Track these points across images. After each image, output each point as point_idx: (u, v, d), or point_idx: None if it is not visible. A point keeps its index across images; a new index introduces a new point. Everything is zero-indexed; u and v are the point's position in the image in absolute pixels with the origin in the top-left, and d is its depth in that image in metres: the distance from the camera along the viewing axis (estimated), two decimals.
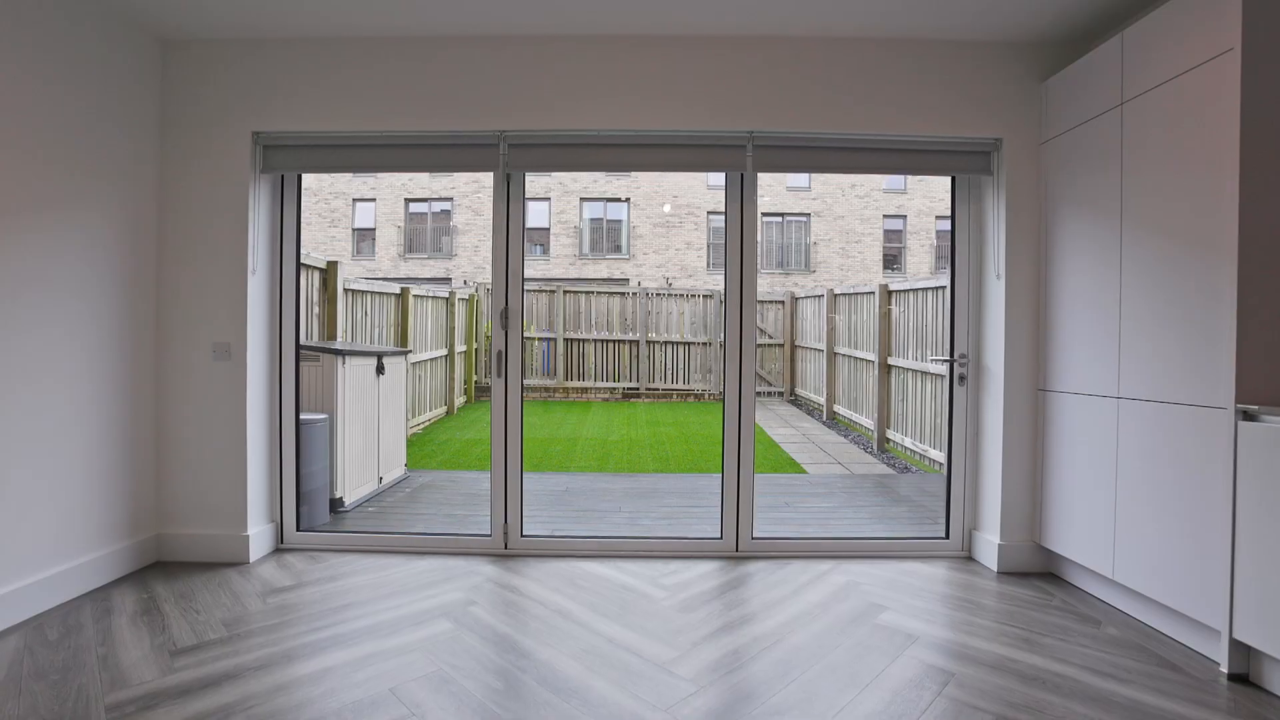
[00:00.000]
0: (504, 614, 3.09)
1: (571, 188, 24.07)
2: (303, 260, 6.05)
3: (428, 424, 9.76)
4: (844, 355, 10.44)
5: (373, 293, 7.72)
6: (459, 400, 11.50)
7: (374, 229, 23.61)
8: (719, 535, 4.07)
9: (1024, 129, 3.77)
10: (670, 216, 24.40)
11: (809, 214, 25.46)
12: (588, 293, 13.10)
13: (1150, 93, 2.93)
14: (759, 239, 25.20)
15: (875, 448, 8.61)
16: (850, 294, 10.20)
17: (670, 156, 3.82)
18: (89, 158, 3.29)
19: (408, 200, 23.66)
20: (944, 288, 7.06)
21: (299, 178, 4.04)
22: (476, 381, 12.62)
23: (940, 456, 7.02)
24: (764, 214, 25.34)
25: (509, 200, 3.96)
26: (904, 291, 8.21)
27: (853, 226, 25.67)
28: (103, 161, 3.37)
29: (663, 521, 4.94)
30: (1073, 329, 3.47)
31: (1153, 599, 2.96)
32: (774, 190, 25.25)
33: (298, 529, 4.04)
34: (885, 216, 26.17)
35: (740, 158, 3.80)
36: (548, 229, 24.05)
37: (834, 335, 10.83)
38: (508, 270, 4.00)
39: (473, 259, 23.47)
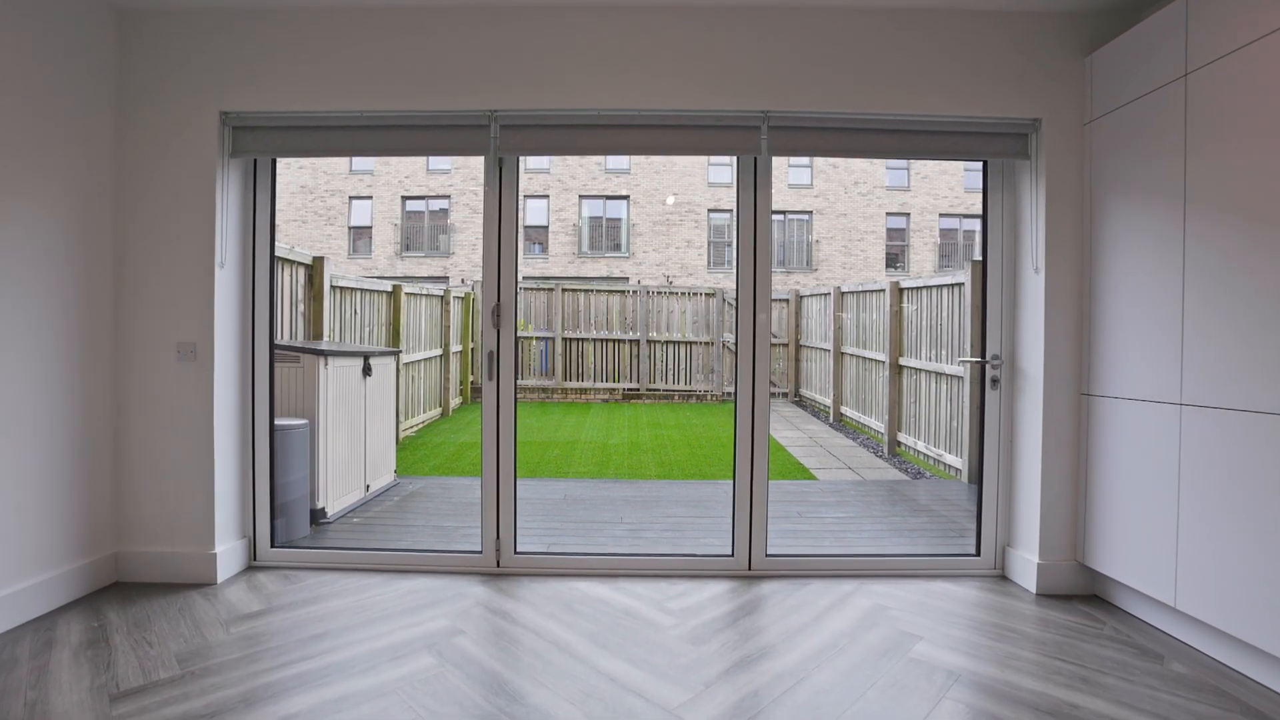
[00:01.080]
0: (494, 646, 2.76)
1: (570, 185, 23.73)
2: (288, 256, 5.74)
3: (421, 426, 9.43)
4: (852, 355, 10.11)
5: (362, 290, 7.38)
6: (454, 401, 11.17)
7: (370, 227, 23.27)
8: (730, 552, 3.74)
9: (1065, 108, 3.44)
10: (670, 214, 24.07)
11: (811, 211, 25.14)
12: (587, 290, 12.76)
13: (1222, 60, 2.60)
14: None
15: (886, 452, 8.28)
16: (858, 292, 9.87)
17: (677, 139, 3.49)
18: (26, 140, 2.95)
19: (404, 198, 23.32)
20: (960, 285, 6.74)
21: (273, 163, 3.71)
22: (473, 382, 12.28)
23: (957, 462, 6.70)
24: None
25: (501, 187, 3.62)
26: (916, 289, 7.88)
27: (855, 224, 25.34)
28: (46, 144, 3.03)
29: (668, 534, 4.61)
30: (1123, 328, 3.14)
31: (1226, 632, 2.63)
32: (775, 187, 24.91)
33: (272, 545, 3.70)
34: (888, 214, 25.84)
35: (754, 140, 3.47)
36: (546, 227, 23.71)
37: (841, 334, 10.50)
38: (499, 264, 3.67)
39: (470, 257, 23.13)
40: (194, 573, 3.38)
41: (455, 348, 11.07)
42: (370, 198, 23.24)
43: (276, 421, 4.18)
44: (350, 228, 23.26)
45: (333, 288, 6.56)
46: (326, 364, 4.66)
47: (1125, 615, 3.16)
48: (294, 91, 3.41)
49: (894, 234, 26.45)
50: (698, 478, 6.79)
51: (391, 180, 23.21)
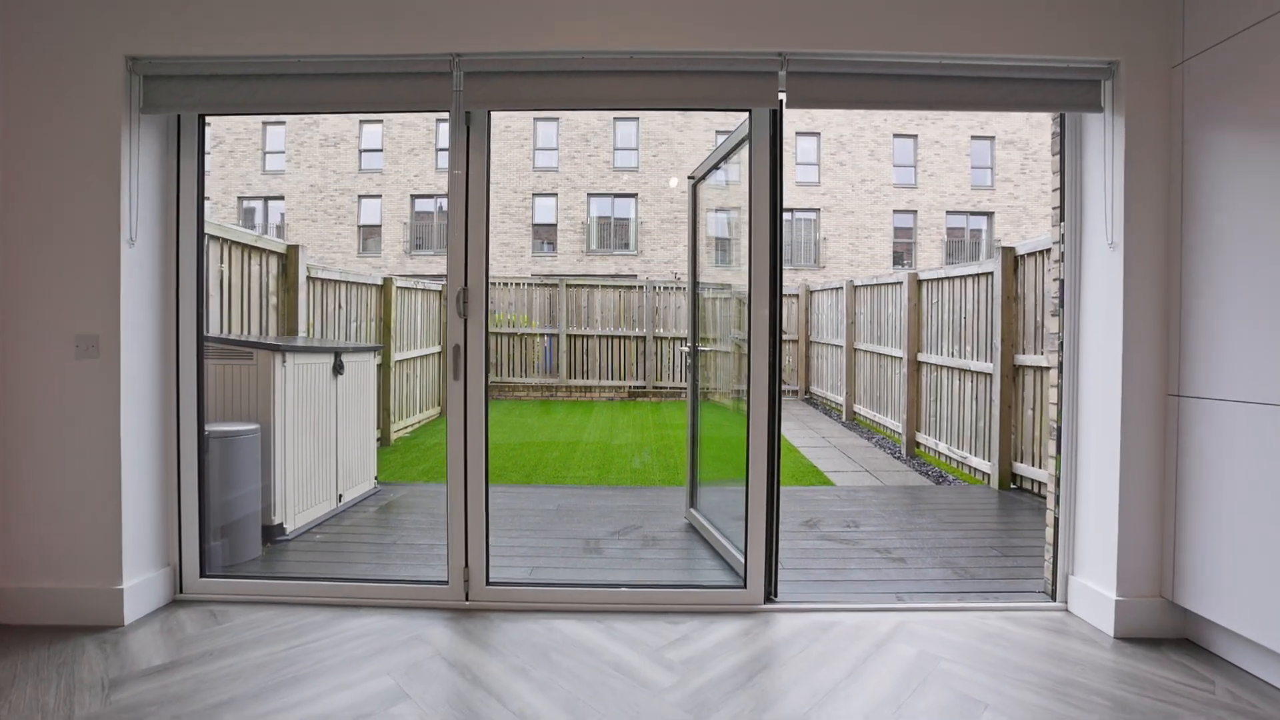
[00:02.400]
0: None
1: (579, 183, 23.07)
2: (256, 243, 5.10)
3: (417, 426, 8.79)
4: (865, 351, 9.39)
5: (347, 283, 6.74)
6: None
7: (380, 225, 22.69)
8: (741, 582, 3.07)
9: (1149, 48, 2.74)
10: (679, 211, 23.35)
11: (818, 209, 24.37)
12: (592, 286, 12.09)
13: None
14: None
15: (904, 453, 7.57)
16: (872, 285, 9.15)
17: (677, 88, 2.80)
18: None
19: (414, 196, 22.73)
20: (988, 274, 6.02)
21: (200, 121, 3.05)
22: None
23: (983, 465, 5.99)
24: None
25: (469, 149, 2.96)
26: (937, 280, 7.16)
27: (863, 222, 24.56)
28: None
29: (669, 554, 3.94)
30: (1229, 313, 2.44)
31: None
32: (784, 185, 24.13)
33: (203, 574, 3.05)
34: (895, 212, 25.03)
35: (768, 88, 2.79)
36: (554, 225, 23.06)
37: (854, 330, 9.79)
38: (467, 242, 3.00)
39: None
40: (96, 613, 2.73)
41: None
42: (379, 196, 22.65)
43: (220, 428, 3.54)
44: (360, 226, 22.69)
45: (310, 279, 5.92)
46: (284, 361, 4.01)
47: (1234, 670, 2.46)
48: (217, 33, 2.75)
49: (901, 231, 25.66)
50: (705, 481, 6.10)
51: (401, 179, 22.62)
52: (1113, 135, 2.78)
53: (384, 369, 7.52)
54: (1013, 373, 5.65)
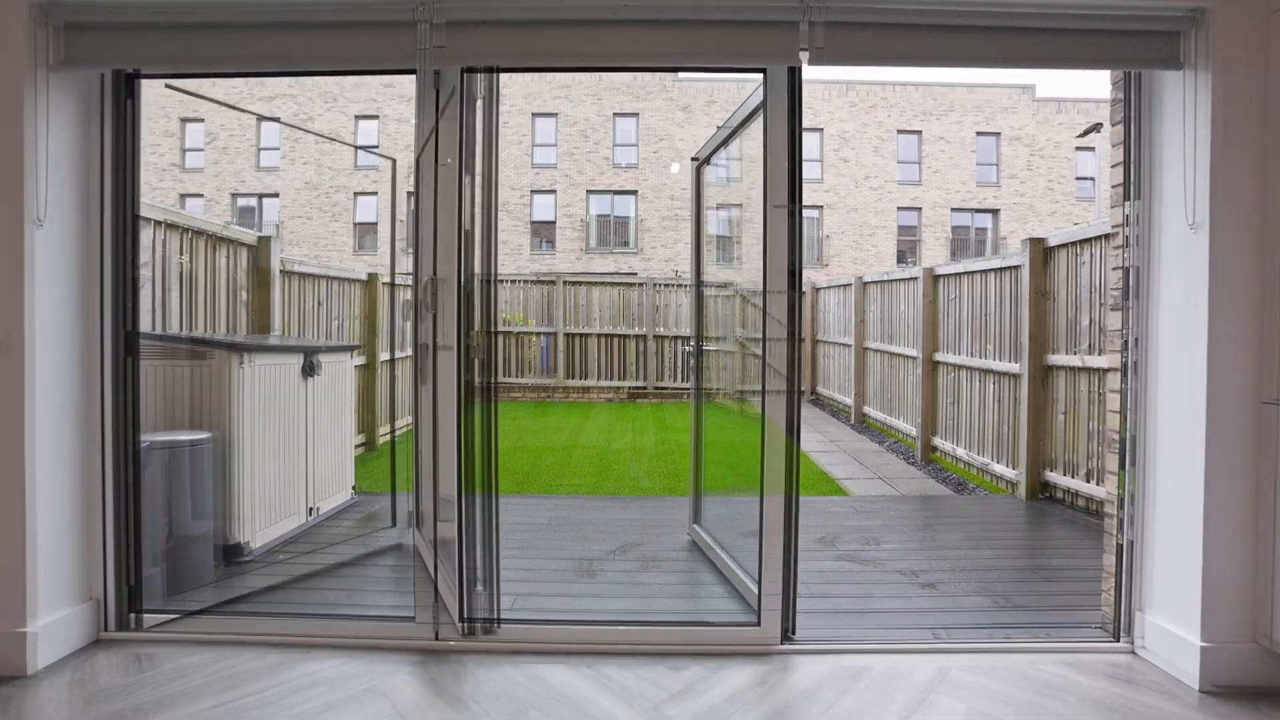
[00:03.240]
0: None
1: (578, 180, 22.65)
2: (224, 234, 4.68)
3: (404, 430, 8.36)
4: (876, 351, 8.97)
5: (326, 278, 6.31)
6: None
7: (376, 223, 22.29)
8: (754, 617, 2.65)
9: None
10: (680, 209, 22.92)
11: (821, 206, 23.93)
12: (590, 283, 11.67)
13: None
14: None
15: (920, 458, 7.14)
16: (884, 281, 8.72)
17: (682, 40, 2.38)
18: None
19: (410, 194, 22.29)
20: (1016, 268, 5.59)
21: (129, 84, 2.62)
22: (469, 381, 11.21)
23: (1008, 473, 5.56)
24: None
25: (438, 112, 2.54)
26: (955, 275, 6.73)
27: (866, 219, 24.12)
28: None
29: (671, 579, 3.52)
30: None
31: None
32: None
33: (135, 607, 2.63)
34: (899, 209, 24.59)
35: (788, 42, 2.36)
36: (553, 222, 22.64)
37: (864, 329, 9.36)
38: (436, 223, 2.59)
39: (475, 252, 22.08)
40: None
41: None
42: (376, 194, 22.24)
43: (165, 437, 3.12)
44: (356, 224, 22.27)
45: (285, 274, 5.50)
46: (244, 362, 3.58)
47: None
48: None
49: (905, 230, 25.20)
50: (710, 493, 5.69)
51: (398, 175, 22.23)
52: (1196, 96, 2.35)
53: (369, 369, 7.10)
54: (1042, 374, 5.22)
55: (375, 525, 4.39)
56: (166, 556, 3.02)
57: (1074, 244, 4.93)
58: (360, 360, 7.00)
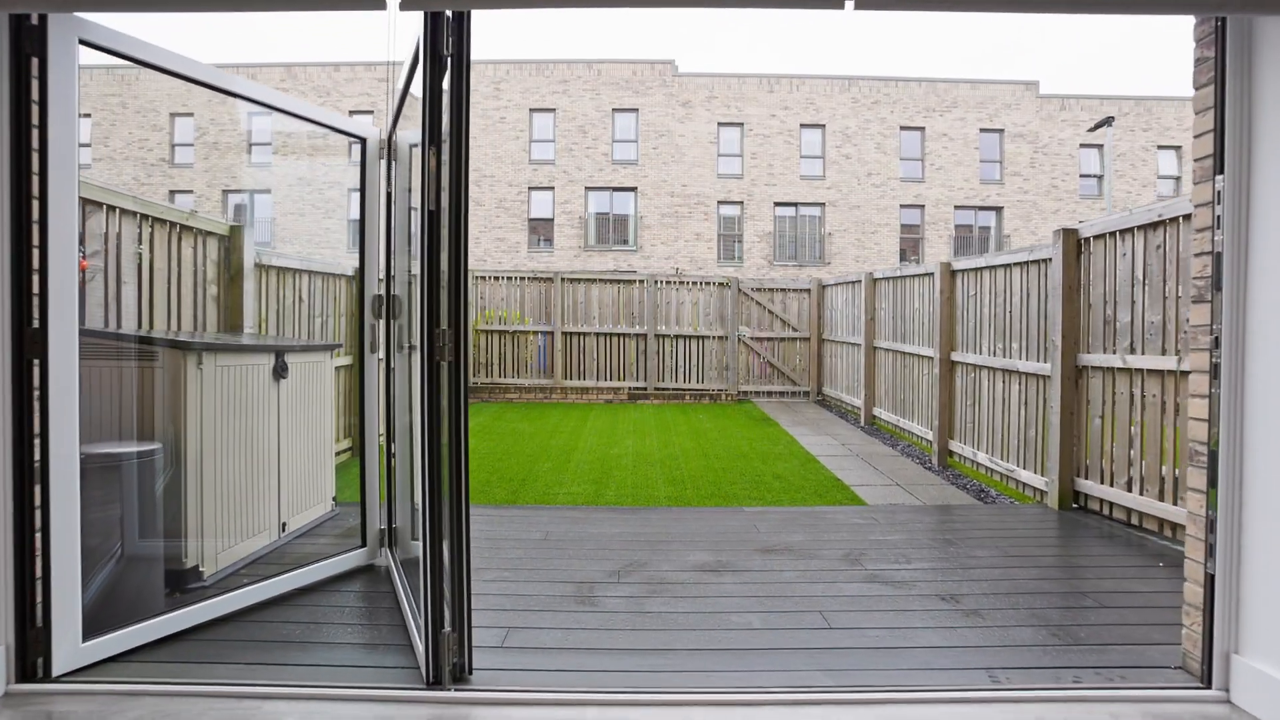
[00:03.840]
0: None
1: (576, 176, 22.25)
2: (188, 222, 4.29)
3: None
4: (887, 350, 8.59)
5: (309, 272, 5.92)
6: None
7: None
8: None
9: None
10: (679, 206, 22.53)
11: (823, 203, 23.56)
12: (589, 280, 11.28)
13: None
14: (771, 227, 23.35)
15: (936, 463, 6.77)
16: (895, 278, 8.34)
17: None
18: None
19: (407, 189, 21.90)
20: (1044, 261, 5.21)
21: (36, 31, 2.22)
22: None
23: (1035, 480, 5.19)
24: (776, 203, 23.45)
25: (409, 77, 2.14)
26: (976, 270, 6.35)
27: (869, 217, 23.75)
28: None
29: (685, 604, 3.13)
30: None
31: None
32: (786, 179, 23.38)
33: (43, 654, 2.24)
34: (902, 207, 24.23)
35: None
36: (551, 220, 22.25)
37: (874, 327, 8.98)
38: (420, 217, 2.19)
39: (473, 250, 21.70)
40: None
41: None
42: None
43: (105, 449, 2.73)
44: (350, 221, 21.86)
45: (260, 267, 5.10)
46: (201, 363, 3.19)
47: None
48: None
49: (907, 228, 24.83)
50: (718, 501, 5.31)
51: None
52: None
53: (355, 370, 6.70)
54: (1075, 375, 4.84)
55: (349, 544, 4.00)
56: (103, 587, 2.63)
57: (1113, 234, 4.56)
58: (347, 360, 6.60)
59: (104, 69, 21.44)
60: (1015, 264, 5.68)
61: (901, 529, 4.34)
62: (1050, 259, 5.09)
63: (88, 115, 21.53)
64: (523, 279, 11.21)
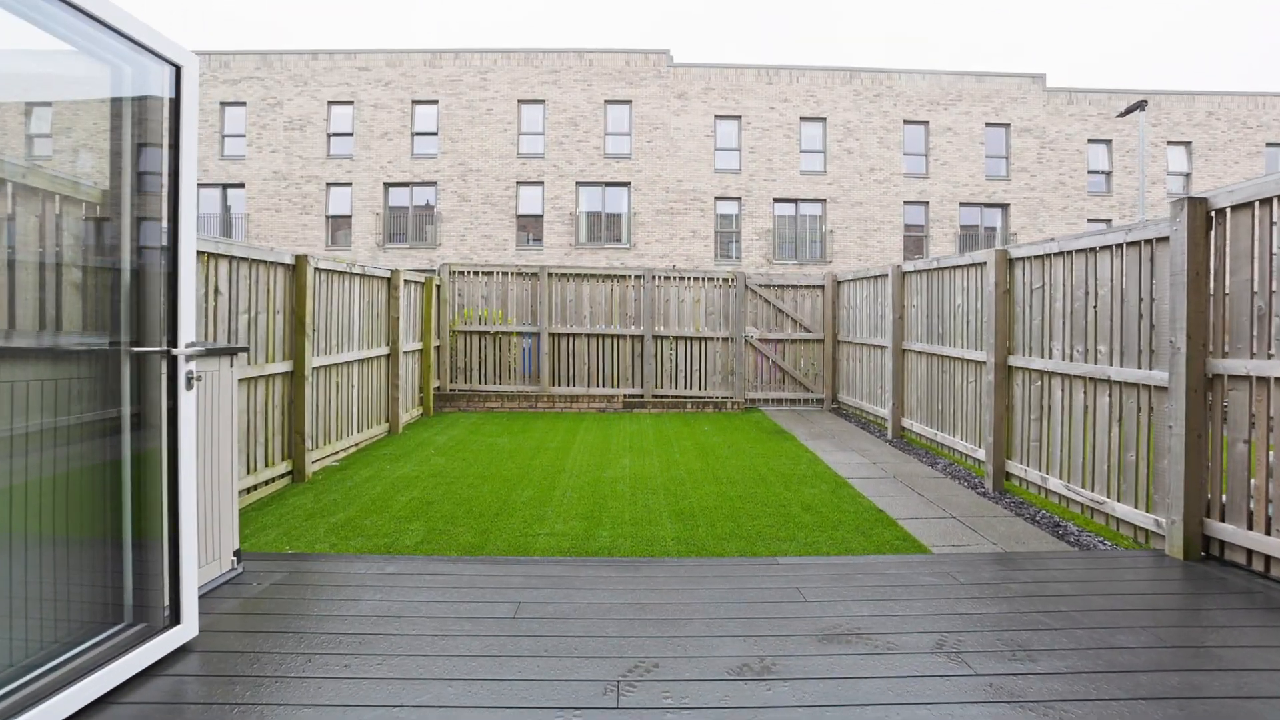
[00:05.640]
0: None
1: (566, 171, 21.08)
2: (24, 180, 3.11)
3: (353, 451, 6.81)
4: (919, 353, 7.48)
5: (229, 258, 4.74)
6: (406, 416, 8.57)
7: (350, 216, 20.63)
8: None
9: None
10: (675, 202, 21.40)
11: (824, 200, 22.49)
12: (580, 276, 10.13)
13: None
14: (770, 225, 22.25)
15: (991, 487, 5.66)
16: (930, 270, 7.22)
17: None
18: None
19: (387, 185, 20.67)
20: (1151, 242, 4.10)
21: None
22: (437, 389, 9.63)
23: (1137, 518, 4.08)
24: (775, 199, 22.36)
25: None
26: (1044, 257, 5.23)
27: (872, 214, 22.69)
28: None
29: None
30: None
31: None
32: (785, 174, 22.29)
33: None
34: (905, 204, 23.18)
35: None
36: (540, 216, 21.07)
37: (903, 327, 7.87)
38: None
39: (459, 248, 20.51)
40: None
41: (411, 345, 8.45)
42: (350, 184, 20.58)
43: None
44: (328, 217, 20.63)
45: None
46: None
47: None
48: None
49: (910, 226, 23.78)
50: (741, 545, 4.17)
51: (373, 165, 20.56)
52: None
53: (296, 377, 5.54)
54: (1204, 385, 3.74)
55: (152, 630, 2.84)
56: None
57: (1260, 202, 3.45)
58: (285, 366, 5.44)
59: None
60: (1104, 247, 4.57)
61: (992, 593, 3.21)
62: (1163, 238, 3.98)
63: None
64: (505, 274, 10.04)
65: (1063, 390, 4.99)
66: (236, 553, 3.43)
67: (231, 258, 4.75)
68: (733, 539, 4.33)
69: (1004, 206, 23.16)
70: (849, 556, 3.93)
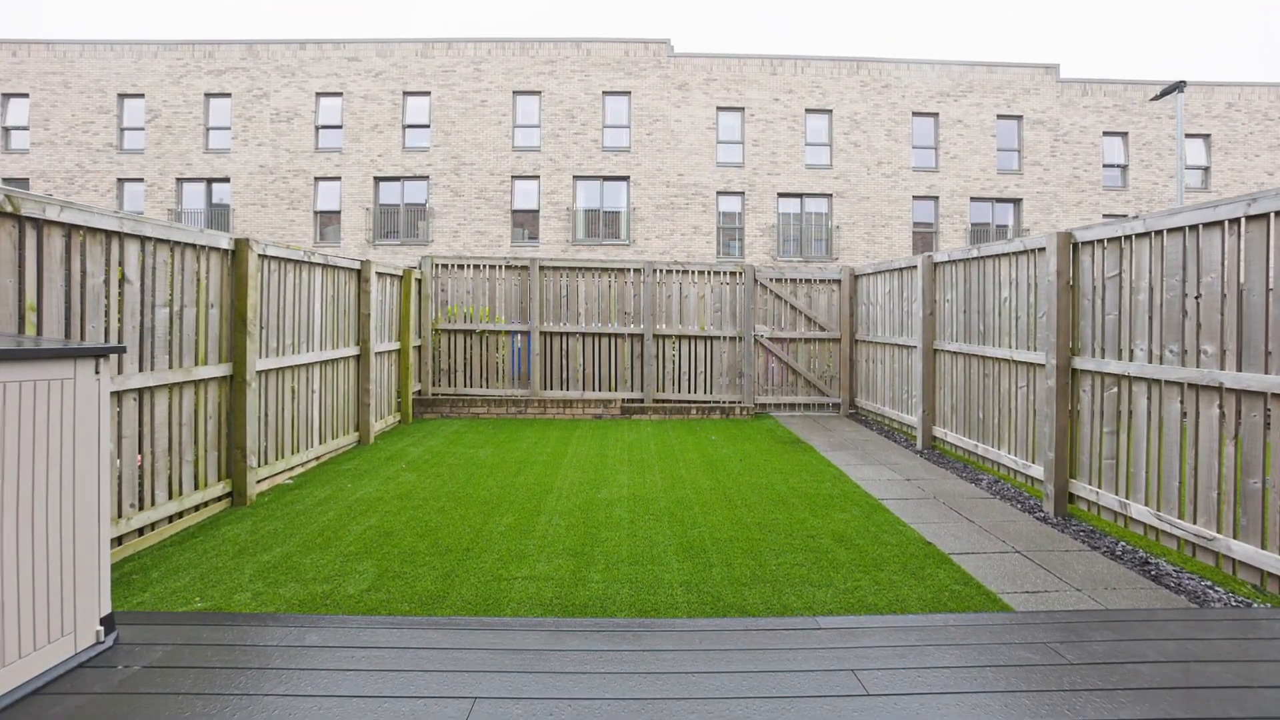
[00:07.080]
0: None
1: (564, 165, 20.19)
2: None
3: (312, 466, 5.93)
4: (953, 353, 6.61)
5: (140, 238, 3.86)
6: (381, 424, 7.70)
7: (339, 211, 19.74)
8: None
9: None
10: (676, 196, 20.52)
11: (830, 194, 21.60)
12: (574, 269, 9.26)
13: None
14: (774, 220, 21.36)
15: (1052, 511, 4.79)
16: (968, 260, 6.35)
17: None
18: None
19: (377, 179, 19.78)
20: (1275, 215, 3.25)
21: None
22: (417, 393, 8.75)
23: (1268, 562, 3.22)
24: (780, 194, 21.47)
25: None
26: (1121, 239, 4.37)
27: (879, 208, 21.80)
28: None
29: None
30: None
31: None
32: (790, 168, 21.40)
33: None
34: (915, 198, 22.29)
35: None
36: (536, 211, 20.17)
37: (935, 324, 7.00)
38: None
39: (451, 245, 19.62)
40: None
41: (386, 345, 7.58)
42: (339, 179, 19.69)
43: None
44: (316, 212, 19.73)
45: (36, 223, 3.04)
46: None
47: None
48: None
49: (919, 222, 22.90)
50: (765, 595, 3.31)
51: (363, 159, 19.66)
52: None
53: (237, 382, 4.67)
54: None
55: None
56: None
57: None
58: (222, 370, 4.57)
59: (43, 44, 19.26)
60: (1211, 223, 3.70)
61: (1120, 680, 2.34)
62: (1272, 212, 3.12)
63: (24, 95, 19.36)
64: (493, 268, 9.17)
65: (1149, 398, 4.12)
66: (106, 619, 2.56)
67: (144, 238, 3.87)
68: (755, 584, 3.46)
69: (1016, 201, 22.28)
70: (909, 616, 3.06)
